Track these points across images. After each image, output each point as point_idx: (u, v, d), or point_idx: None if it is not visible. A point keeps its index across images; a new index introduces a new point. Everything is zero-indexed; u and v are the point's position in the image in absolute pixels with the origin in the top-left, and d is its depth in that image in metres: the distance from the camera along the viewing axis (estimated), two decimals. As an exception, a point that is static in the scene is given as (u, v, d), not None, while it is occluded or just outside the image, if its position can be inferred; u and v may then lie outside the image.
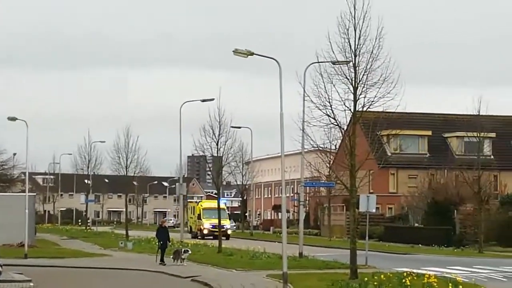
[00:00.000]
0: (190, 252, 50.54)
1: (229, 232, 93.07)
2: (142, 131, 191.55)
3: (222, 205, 79.02)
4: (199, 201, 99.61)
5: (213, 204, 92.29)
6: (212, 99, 63.26)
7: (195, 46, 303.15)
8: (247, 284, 37.42)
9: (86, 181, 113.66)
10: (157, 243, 51.83)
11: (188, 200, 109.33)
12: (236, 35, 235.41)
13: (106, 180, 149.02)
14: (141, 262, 52.46)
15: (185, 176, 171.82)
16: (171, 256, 49.79)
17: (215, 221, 78.33)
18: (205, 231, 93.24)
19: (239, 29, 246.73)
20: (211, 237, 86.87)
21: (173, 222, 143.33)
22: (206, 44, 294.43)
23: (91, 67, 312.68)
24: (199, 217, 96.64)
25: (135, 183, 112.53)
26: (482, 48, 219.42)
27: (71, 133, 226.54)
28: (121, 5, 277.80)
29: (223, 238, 70.74)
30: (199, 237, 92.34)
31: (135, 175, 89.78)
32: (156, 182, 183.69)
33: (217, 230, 74.17)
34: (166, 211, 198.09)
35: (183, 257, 49.06)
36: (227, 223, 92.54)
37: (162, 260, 49.72)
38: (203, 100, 67.00)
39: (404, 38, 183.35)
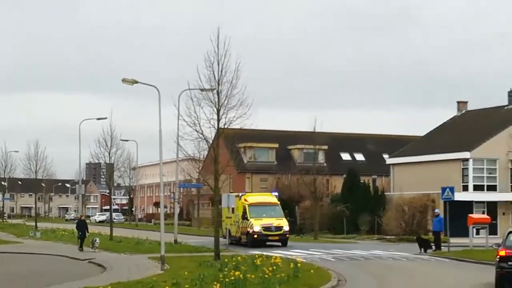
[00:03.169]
0: (97, 240, 49.14)
1: (287, 236, 54.83)
2: (49, 143, 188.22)
3: (274, 199, 56.99)
4: (242, 195, 56.71)
5: (263, 198, 58.02)
6: (105, 118, 62.63)
7: (92, 73, 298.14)
8: (133, 264, 37.14)
9: (2, 183, 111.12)
10: (77, 234, 50.52)
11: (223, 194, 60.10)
12: (124, 64, 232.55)
13: (20, 182, 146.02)
14: (47, 248, 51.62)
15: (84, 179, 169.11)
16: (90, 246, 48.15)
17: (269, 221, 53.56)
18: (255, 236, 53.24)
19: (125, 59, 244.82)
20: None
21: (73, 216, 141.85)
22: (102, 71, 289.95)
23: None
24: (244, 217, 54.57)
25: (43, 184, 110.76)
26: (317, 78, 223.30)
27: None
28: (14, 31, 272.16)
29: (278, 244, 52.80)
30: (245, 243, 53.94)
31: (43, 178, 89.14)
32: (60, 183, 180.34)
33: (272, 233, 53.25)
34: (68, 207, 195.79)
35: (95, 245, 47.88)
36: (284, 224, 54.44)
37: (81, 247, 48.57)
38: (98, 119, 65.98)
39: (260, 70, 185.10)
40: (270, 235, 53.22)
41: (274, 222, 53.42)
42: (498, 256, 27.78)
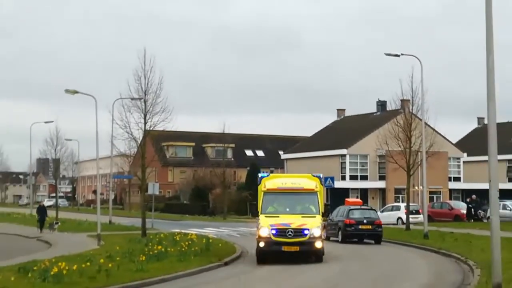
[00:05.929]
0: (59, 223, 47.26)
1: (318, 245, 24.31)
2: (5, 142, 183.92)
3: (311, 184, 26.61)
4: (262, 176, 26.56)
5: (292, 181, 26.75)
6: (52, 121, 61.72)
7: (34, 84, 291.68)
8: (74, 241, 36.62)
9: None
10: (37, 217, 48.83)
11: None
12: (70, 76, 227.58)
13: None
14: (2, 228, 50.40)
15: (34, 171, 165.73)
16: (47, 226, 46.12)
17: (286, 220, 24.97)
18: (262, 244, 24.38)
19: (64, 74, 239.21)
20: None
21: (25, 202, 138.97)
22: (50, 82, 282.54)
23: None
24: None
25: (0, 176, 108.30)
26: (223, 89, 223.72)
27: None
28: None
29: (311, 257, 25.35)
30: (258, 251, 25.09)
31: (0, 171, 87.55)
32: (14, 175, 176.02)
33: (287, 241, 24.49)
34: (21, 195, 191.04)
35: (54, 227, 46.29)
36: (313, 225, 24.40)
37: (41, 229, 46.68)
38: (46, 122, 64.90)
39: (179, 81, 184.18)
40: (284, 243, 24.70)
41: (295, 222, 24.96)
42: (344, 223, 36.50)
